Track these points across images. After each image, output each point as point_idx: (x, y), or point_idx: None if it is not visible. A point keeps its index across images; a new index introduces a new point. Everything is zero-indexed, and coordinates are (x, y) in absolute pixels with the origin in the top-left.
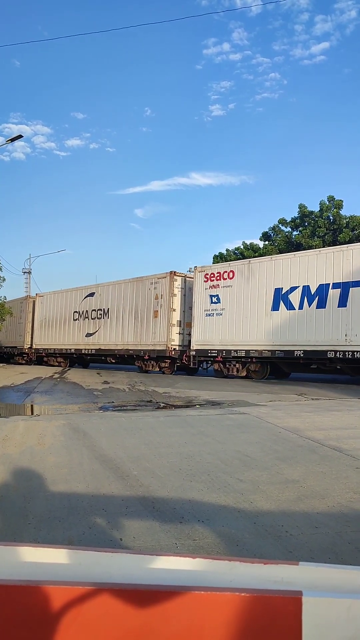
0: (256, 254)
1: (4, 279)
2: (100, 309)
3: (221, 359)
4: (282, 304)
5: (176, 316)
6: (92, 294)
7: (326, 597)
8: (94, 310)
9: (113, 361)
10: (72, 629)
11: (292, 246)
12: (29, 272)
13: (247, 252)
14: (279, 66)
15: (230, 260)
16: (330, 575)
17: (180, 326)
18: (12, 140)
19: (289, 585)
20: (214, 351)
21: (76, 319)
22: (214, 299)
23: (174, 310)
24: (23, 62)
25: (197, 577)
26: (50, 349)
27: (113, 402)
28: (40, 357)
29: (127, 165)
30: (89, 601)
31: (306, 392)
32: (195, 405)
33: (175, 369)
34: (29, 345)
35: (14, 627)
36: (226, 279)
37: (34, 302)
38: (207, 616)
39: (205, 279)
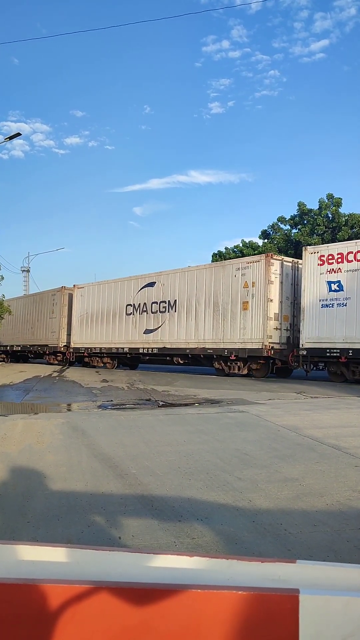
0: (255, 253)
1: (3, 278)
2: (164, 301)
3: (345, 360)
4: None
5: (273, 308)
6: (151, 284)
7: (323, 594)
8: (155, 302)
9: (181, 362)
10: (70, 627)
11: (292, 244)
12: (28, 271)
13: (247, 250)
14: (279, 64)
15: (333, 242)
16: (327, 573)
17: (277, 320)
18: (11, 138)
19: (286, 583)
20: (334, 350)
21: (130, 314)
22: (334, 286)
23: (271, 300)
24: (21, 60)
25: (195, 575)
26: (94, 347)
27: (112, 400)
28: (80, 357)
29: (125, 163)
30: (87, 599)
31: (305, 391)
32: (194, 403)
33: (272, 370)
34: (65, 343)
35: (11, 626)
36: (351, 261)
37: (70, 294)
38: (205, 614)
39: (320, 262)
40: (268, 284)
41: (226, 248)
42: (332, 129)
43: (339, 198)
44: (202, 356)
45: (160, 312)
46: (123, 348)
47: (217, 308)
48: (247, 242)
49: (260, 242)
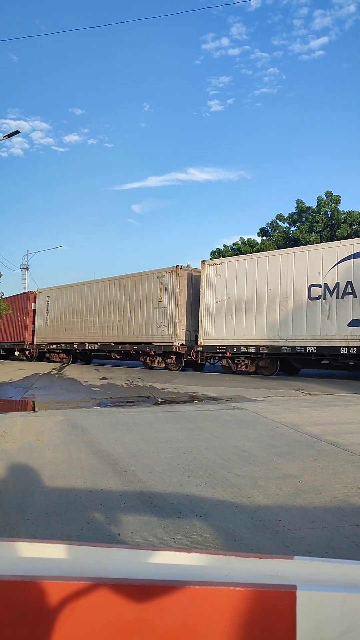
0: (254, 250)
1: (1, 275)
2: None
3: None
4: None
5: None
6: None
7: (321, 591)
8: None
9: None
10: (68, 624)
11: (290, 242)
12: (27, 268)
13: (245, 248)
14: (278, 61)
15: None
16: (325, 569)
17: None
18: (9, 135)
19: (284, 580)
20: None
21: (317, 298)
22: None
23: None
24: (21, 57)
25: (193, 571)
26: (244, 345)
27: (111, 397)
28: (206, 358)
29: (124, 161)
30: (85, 596)
31: (304, 388)
32: (193, 400)
33: None
34: (182, 341)
35: (10, 622)
36: None
37: (191, 274)
38: (202, 610)
39: None
40: None
41: (225, 245)
42: (331, 126)
43: (338, 195)
44: None
45: None
46: (305, 347)
47: None
48: (246, 239)
49: (258, 240)
